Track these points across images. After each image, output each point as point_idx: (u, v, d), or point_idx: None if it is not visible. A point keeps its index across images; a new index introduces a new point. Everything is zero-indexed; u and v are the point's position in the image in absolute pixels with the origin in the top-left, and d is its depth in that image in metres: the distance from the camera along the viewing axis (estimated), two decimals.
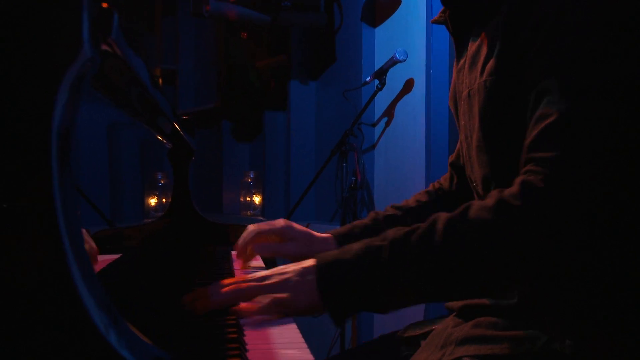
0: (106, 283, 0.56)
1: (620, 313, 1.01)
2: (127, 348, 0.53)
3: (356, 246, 1.00)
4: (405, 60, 2.79)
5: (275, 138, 3.87)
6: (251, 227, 1.45)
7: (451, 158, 1.54)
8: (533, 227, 0.92)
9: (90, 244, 1.06)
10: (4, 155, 0.53)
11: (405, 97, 2.93)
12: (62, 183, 0.53)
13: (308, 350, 0.86)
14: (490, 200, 0.96)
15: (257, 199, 4.03)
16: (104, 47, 0.66)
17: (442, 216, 0.99)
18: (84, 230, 0.58)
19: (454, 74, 1.32)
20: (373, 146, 3.13)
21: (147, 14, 4.86)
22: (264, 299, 0.99)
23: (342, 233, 1.45)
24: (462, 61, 1.25)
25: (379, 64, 3.08)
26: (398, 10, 2.98)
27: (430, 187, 1.58)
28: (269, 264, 1.48)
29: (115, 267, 1.06)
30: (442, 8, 1.30)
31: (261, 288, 1.00)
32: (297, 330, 0.96)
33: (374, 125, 3.13)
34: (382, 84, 2.87)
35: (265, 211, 3.89)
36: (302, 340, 0.90)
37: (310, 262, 1.02)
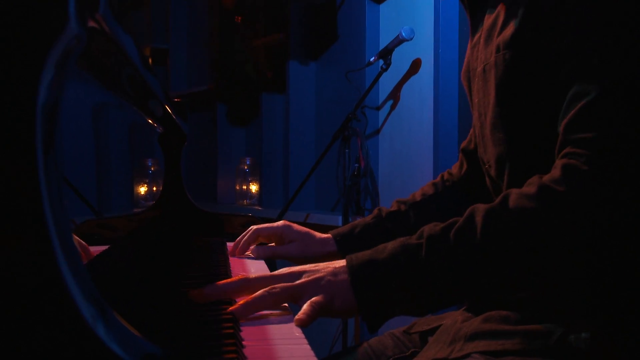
0: (93, 276, 0.57)
1: None
2: (117, 341, 0.53)
3: (391, 245, 1.00)
4: (412, 38, 2.78)
5: (273, 122, 3.86)
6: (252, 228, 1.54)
7: (463, 144, 1.54)
8: (580, 213, 0.92)
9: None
10: None
11: (412, 79, 2.93)
12: (48, 169, 0.53)
13: (309, 347, 0.86)
14: (530, 187, 0.96)
15: (253, 187, 4.03)
16: (92, 23, 0.66)
17: (480, 207, 0.98)
18: None
19: (468, 50, 1.31)
20: (377, 131, 3.13)
21: None
22: (303, 304, 0.97)
23: (342, 233, 1.46)
24: (477, 36, 1.25)
25: (383, 43, 3.07)
26: None
27: (438, 179, 1.57)
28: (269, 264, 1.49)
29: (103, 259, 1.06)
30: None
31: (294, 289, 0.99)
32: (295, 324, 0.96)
33: (378, 108, 3.13)
34: (387, 64, 2.86)
35: (263, 200, 3.89)
36: (302, 335, 0.91)
37: (341, 262, 1.01)
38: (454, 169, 1.57)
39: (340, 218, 2.99)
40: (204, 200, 4.24)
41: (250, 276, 1.03)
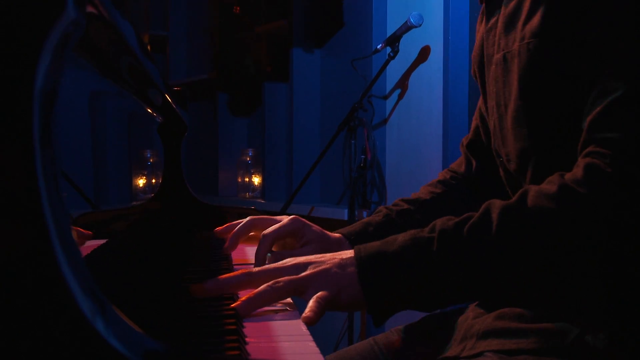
0: (91, 270, 0.57)
1: None
2: (117, 337, 0.53)
3: (401, 237, 0.99)
4: (420, 25, 2.78)
5: (276, 112, 3.86)
6: (250, 219, 1.38)
7: (465, 140, 1.51)
8: (601, 216, 0.91)
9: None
10: None
11: (421, 67, 2.93)
12: (45, 158, 0.53)
13: (314, 344, 0.86)
14: (551, 185, 0.95)
15: (256, 180, 4.04)
16: (90, 8, 0.66)
17: (496, 204, 0.97)
18: None
19: (480, 34, 1.30)
20: (385, 121, 3.13)
21: None
22: (308, 297, 0.96)
23: (355, 232, 1.40)
24: (493, 20, 1.23)
25: (391, 29, 3.07)
26: None
27: (441, 177, 1.54)
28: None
29: (100, 254, 1.06)
30: None
31: (298, 282, 0.98)
32: (301, 322, 0.96)
33: (385, 97, 3.13)
34: (395, 51, 2.86)
35: (266, 193, 3.89)
36: (307, 332, 0.91)
37: (348, 253, 1.00)
38: (458, 167, 1.53)
39: (346, 211, 2.98)
40: (204, 192, 4.24)
41: (253, 270, 1.02)
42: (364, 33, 3.20)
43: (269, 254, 1.31)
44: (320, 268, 0.99)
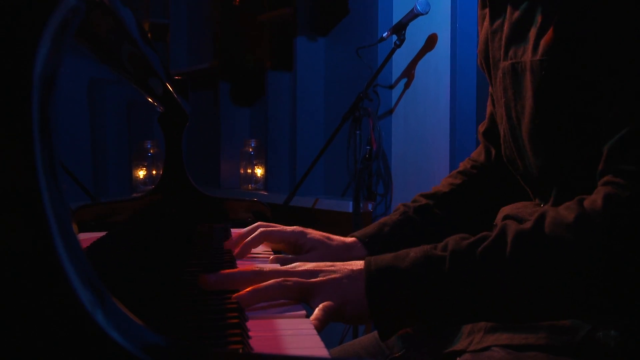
0: (91, 263, 0.57)
1: None
2: (117, 329, 0.54)
3: (413, 253, 0.99)
4: (427, 12, 2.77)
5: (279, 102, 3.86)
6: (260, 232, 1.39)
7: (482, 127, 1.51)
8: (620, 249, 0.91)
9: None
10: None
11: (428, 55, 2.92)
12: (45, 146, 0.53)
13: (318, 337, 0.86)
14: (569, 213, 0.95)
15: (259, 171, 4.04)
16: None
17: (512, 227, 0.97)
18: None
19: (485, 31, 1.29)
20: (390, 111, 3.13)
21: None
22: (313, 304, 0.97)
23: (370, 234, 1.41)
24: (498, 22, 1.22)
25: (397, 17, 3.06)
26: None
27: (462, 167, 1.53)
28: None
29: (99, 246, 1.07)
30: None
31: (307, 286, 0.99)
32: (306, 317, 0.97)
33: (391, 87, 3.12)
34: (401, 40, 2.85)
35: (268, 185, 3.90)
36: (312, 326, 0.91)
37: (359, 265, 1.01)
38: (478, 156, 1.53)
39: (350, 204, 2.99)
40: (206, 184, 4.25)
41: (265, 268, 1.02)
42: (370, 21, 3.19)
43: (271, 256, 1.35)
44: (330, 277, 0.99)
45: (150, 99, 1.63)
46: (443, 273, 0.95)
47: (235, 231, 1.63)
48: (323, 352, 0.81)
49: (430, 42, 2.90)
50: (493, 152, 1.46)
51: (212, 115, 4.41)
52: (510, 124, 1.20)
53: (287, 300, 1.00)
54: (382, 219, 1.45)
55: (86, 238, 1.00)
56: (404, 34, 2.85)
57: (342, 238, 1.40)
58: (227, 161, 4.32)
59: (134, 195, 1.56)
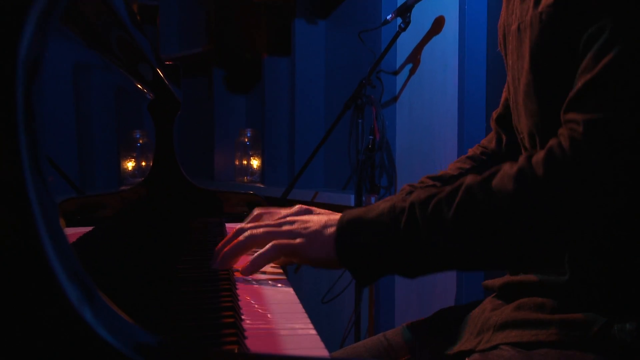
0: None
1: None
2: (106, 327, 0.54)
3: (383, 205, 1.06)
4: None
5: (276, 89, 3.86)
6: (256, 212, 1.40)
7: (495, 113, 1.52)
8: (553, 201, 0.94)
9: None
10: None
11: (434, 39, 2.92)
12: (29, 136, 0.54)
13: (318, 337, 0.87)
14: (514, 165, 0.98)
15: (255, 163, 4.04)
16: None
17: (467, 179, 1.01)
18: None
19: (503, 4, 1.30)
20: (395, 98, 3.13)
21: None
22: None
23: None
24: None
25: None
26: None
27: (471, 152, 1.55)
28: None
29: (86, 242, 1.07)
30: None
31: (278, 234, 1.13)
32: (305, 314, 0.97)
33: (395, 73, 3.12)
34: (406, 23, 2.85)
35: (265, 177, 3.90)
36: (311, 325, 0.92)
37: (336, 216, 1.10)
38: (489, 143, 1.54)
39: (352, 197, 2.99)
40: (199, 176, 4.25)
41: (255, 231, 1.16)
42: (373, 3, 3.19)
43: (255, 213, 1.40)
44: (304, 225, 1.13)
45: (139, 86, 1.63)
46: (400, 223, 1.02)
47: (230, 226, 1.63)
48: (323, 352, 0.82)
49: (437, 25, 2.90)
50: (504, 139, 1.49)
51: (206, 103, 4.41)
52: (514, 86, 1.23)
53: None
54: (388, 198, 1.45)
55: (72, 233, 1.01)
56: (409, 16, 2.84)
57: None
58: (221, 152, 4.31)
59: (123, 188, 1.56)
